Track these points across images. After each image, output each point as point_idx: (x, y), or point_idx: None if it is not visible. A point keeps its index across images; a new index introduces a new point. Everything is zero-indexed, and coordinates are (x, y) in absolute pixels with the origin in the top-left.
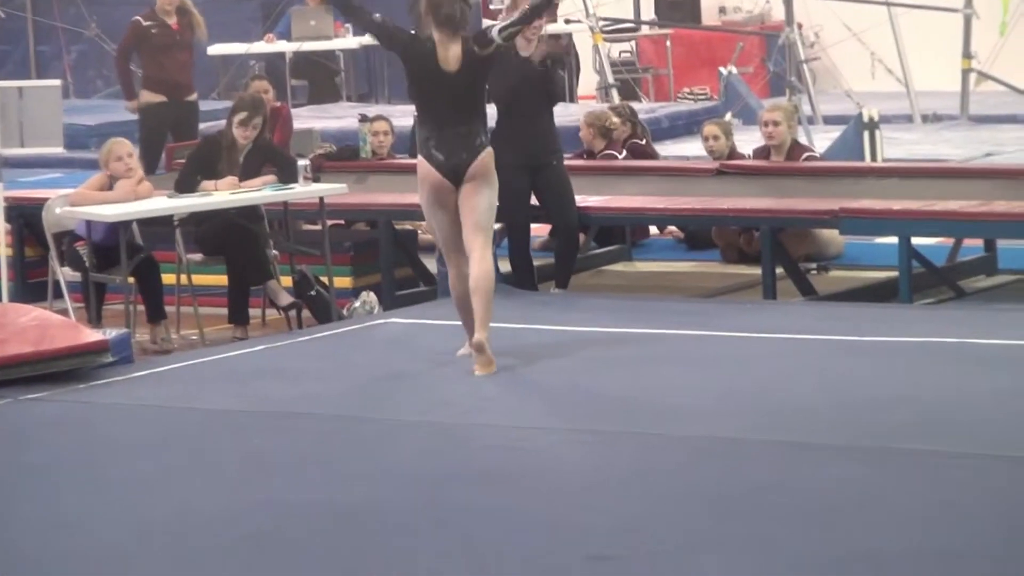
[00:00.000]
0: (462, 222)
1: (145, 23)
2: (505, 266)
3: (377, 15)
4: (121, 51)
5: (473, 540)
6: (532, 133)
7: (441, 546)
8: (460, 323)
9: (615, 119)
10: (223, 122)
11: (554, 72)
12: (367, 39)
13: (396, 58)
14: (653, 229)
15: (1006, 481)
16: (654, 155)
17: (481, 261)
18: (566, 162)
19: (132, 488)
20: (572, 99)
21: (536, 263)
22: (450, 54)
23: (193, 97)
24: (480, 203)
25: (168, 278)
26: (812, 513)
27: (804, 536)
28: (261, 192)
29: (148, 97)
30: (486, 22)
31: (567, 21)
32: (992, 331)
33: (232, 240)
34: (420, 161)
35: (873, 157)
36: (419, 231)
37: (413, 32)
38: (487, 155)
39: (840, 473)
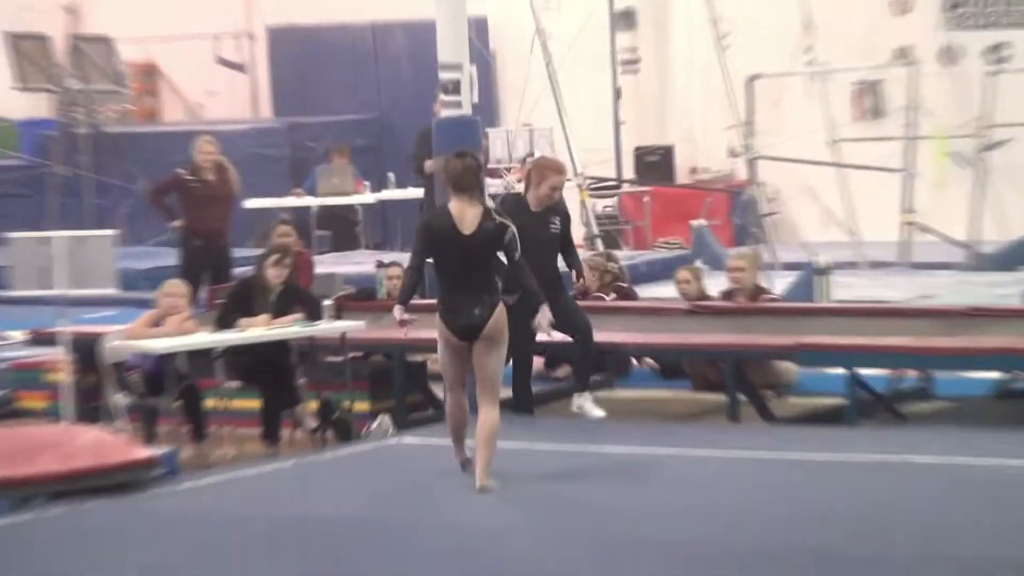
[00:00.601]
0: (476, 375)
1: (187, 177)
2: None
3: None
4: (156, 189)
5: None
6: (538, 271)
7: None
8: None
9: (613, 264)
10: (252, 268)
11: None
12: (385, 195)
13: (408, 210)
14: (634, 360)
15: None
16: (635, 296)
17: (488, 413)
18: None
19: None
20: None
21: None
22: (467, 217)
23: (226, 240)
24: (491, 362)
25: (209, 402)
26: None
27: None
28: (291, 328)
29: (189, 236)
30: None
31: None
32: (928, 449)
33: (265, 370)
34: (437, 319)
35: (825, 298)
36: (428, 362)
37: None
38: (500, 312)
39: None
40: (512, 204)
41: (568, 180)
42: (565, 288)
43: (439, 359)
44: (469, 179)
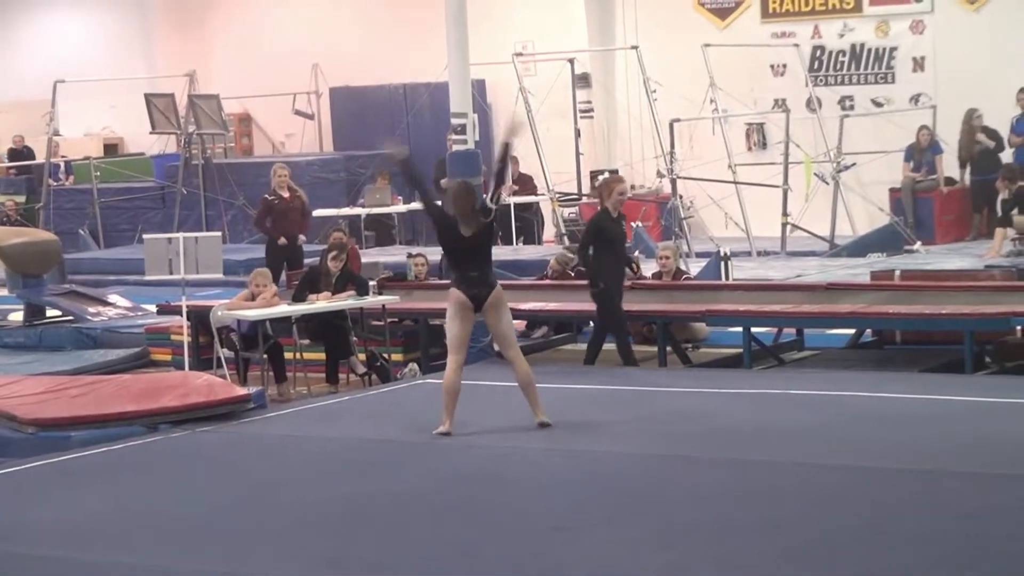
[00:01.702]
0: (497, 337)
1: (271, 199)
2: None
3: (430, 188)
4: (258, 218)
5: (488, 513)
6: (623, 261)
7: (454, 518)
8: (471, 381)
9: (572, 257)
10: (316, 259)
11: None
12: (413, 206)
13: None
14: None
15: (807, 478)
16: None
17: (521, 364)
18: (533, 282)
19: (264, 479)
20: (540, 242)
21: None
22: (467, 226)
23: (301, 240)
24: (504, 326)
25: (288, 355)
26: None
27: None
28: (346, 302)
29: (272, 240)
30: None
31: (539, 194)
32: (801, 385)
33: (327, 331)
34: (452, 289)
35: (727, 277)
36: (445, 325)
37: (443, 209)
38: (499, 290)
39: (711, 476)
40: (599, 216)
41: (543, 194)
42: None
43: (447, 322)
44: (465, 207)
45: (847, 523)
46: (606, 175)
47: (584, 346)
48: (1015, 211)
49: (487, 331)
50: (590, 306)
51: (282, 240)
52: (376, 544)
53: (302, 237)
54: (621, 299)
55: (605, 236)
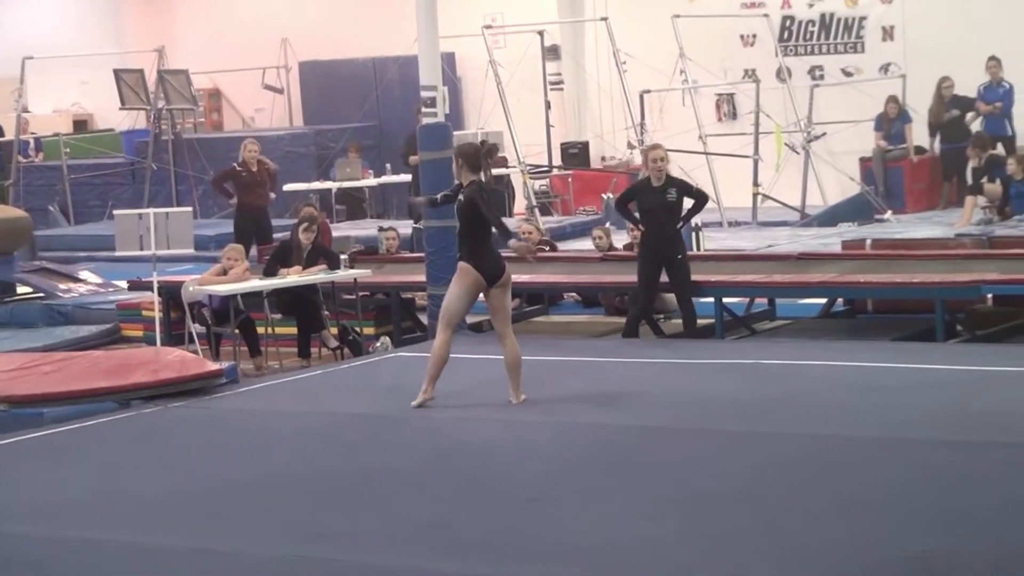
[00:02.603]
0: (498, 315)
1: (237, 168)
2: None
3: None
4: (217, 178)
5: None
6: (660, 230)
7: (428, 491)
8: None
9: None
10: (288, 233)
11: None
12: (384, 179)
13: (400, 190)
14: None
15: (780, 448)
16: (555, 247)
17: (513, 343)
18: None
19: (237, 454)
20: (511, 214)
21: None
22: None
23: (266, 211)
24: (508, 304)
25: (260, 330)
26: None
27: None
28: (318, 276)
29: (241, 210)
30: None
31: (509, 166)
32: (773, 355)
33: (299, 305)
34: (466, 266)
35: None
36: (415, 298)
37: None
38: (508, 270)
39: (683, 447)
40: (638, 182)
41: (514, 167)
42: (681, 248)
43: (451, 300)
44: (474, 160)
45: (820, 492)
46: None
47: (559, 317)
48: (985, 179)
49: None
50: (562, 277)
51: (232, 200)
52: (350, 518)
53: (272, 196)
54: (652, 269)
55: (641, 204)
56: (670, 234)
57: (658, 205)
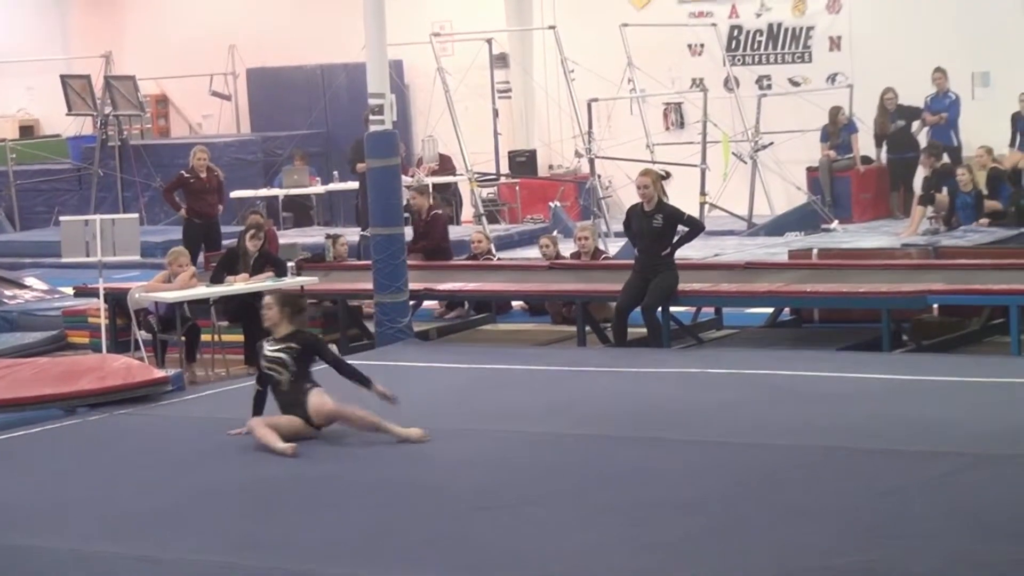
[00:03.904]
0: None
1: (186, 175)
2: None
3: None
4: (167, 188)
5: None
6: (646, 256)
7: (374, 497)
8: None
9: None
10: (235, 240)
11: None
12: (331, 187)
13: (347, 198)
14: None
15: (725, 457)
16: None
17: (355, 413)
18: (457, 262)
19: (182, 462)
20: (458, 223)
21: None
22: None
23: (215, 219)
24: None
25: (205, 337)
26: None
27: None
28: (264, 283)
29: (189, 218)
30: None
31: (457, 174)
32: (720, 364)
33: (246, 313)
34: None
35: None
36: (363, 306)
37: None
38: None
39: (630, 456)
40: (633, 207)
41: (461, 175)
42: (669, 268)
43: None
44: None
45: (764, 501)
46: None
47: (506, 325)
48: (933, 190)
49: (404, 313)
50: (509, 285)
51: (183, 210)
52: (294, 527)
53: (220, 208)
54: (625, 292)
55: (633, 228)
56: (654, 262)
57: (646, 230)
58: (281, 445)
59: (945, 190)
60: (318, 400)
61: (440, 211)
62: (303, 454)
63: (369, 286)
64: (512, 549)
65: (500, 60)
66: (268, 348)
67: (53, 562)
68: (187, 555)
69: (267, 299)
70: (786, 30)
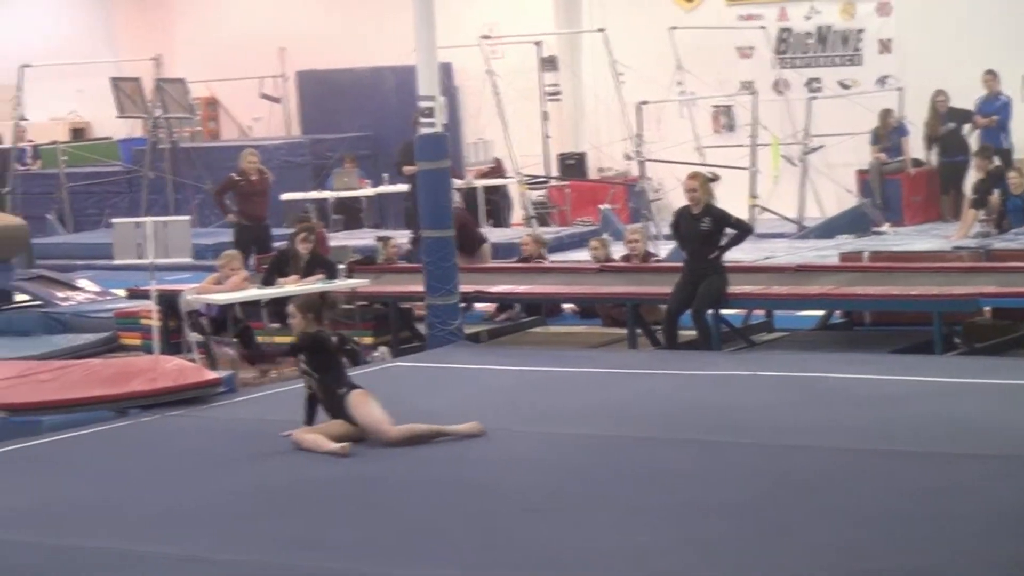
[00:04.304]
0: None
1: (236, 178)
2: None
3: None
4: (217, 190)
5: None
6: (693, 258)
7: (426, 499)
8: (440, 365)
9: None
10: (286, 242)
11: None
12: (381, 189)
13: (396, 200)
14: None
15: (775, 460)
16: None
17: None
18: (510, 265)
19: (233, 463)
20: (508, 225)
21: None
22: None
23: (266, 222)
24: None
25: (258, 339)
26: (657, 479)
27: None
28: (315, 285)
29: (240, 221)
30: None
31: (506, 177)
32: (770, 367)
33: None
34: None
35: None
36: (414, 308)
37: None
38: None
39: (677, 458)
40: (681, 210)
41: (511, 178)
42: (717, 272)
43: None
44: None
45: (812, 504)
46: None
47: (557, 328)
48: (985, 193)
49: (454, 315)
50: (559, 288)
51: (231, 217)
52: (343, 527)
53: (267, 222)
54: (675, 295)
55: (681, 231)
56: (702, 264)
57: (694, 233)
58: (332, 445)
59: (996, 193)
60: (356, 401)
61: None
62: (352, 453)
63: (420, 288)
64: (557, 550)
65: (549, 63)
66: (300, 362)
67: (103, 562)
68: (237, 555)
69: (289, 308)
70: (836, 33)
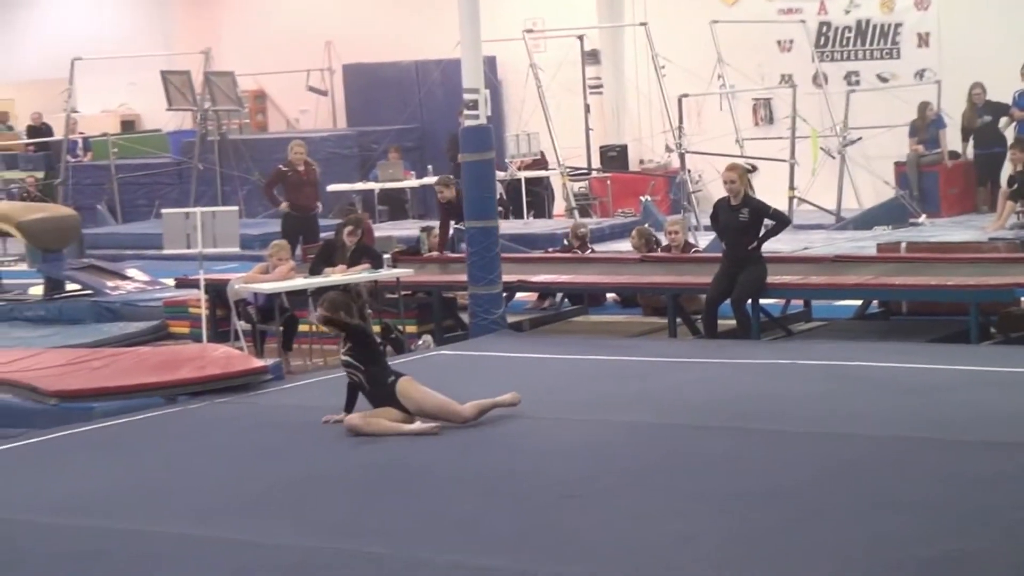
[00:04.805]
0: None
1: (284, 169)
2: None
3: None
4: (267, 183)
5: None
6: (732, 248)
7: (466, 486)
8: (483, 353)
9: (584, 229)
10: (331, 233)
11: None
12: (425, 180)
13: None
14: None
15: (813, 447)
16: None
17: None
18: (550, 254)
19: (280, 449)
20: (550, 215)
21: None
22: None
23: (314, 213)
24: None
25: (304, 327)
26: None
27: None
28: (361, 274)
29: (288, 211)
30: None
31: (549, 168)
32: (809, 355)
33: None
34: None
35: None
36: (457, 298)
37: None
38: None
39: (718, 446)
40: (720, 201)
41: (554, 169)
42: (756, 262)
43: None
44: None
45: (853, 491)
46: None
47: (599, 316)
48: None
49: (497, 304)
50: (601, 278)
51: (283, 205)
52: (387, 512)
53: (320, 205)
54: (715, 285)
55: (719, 222)
56: (741, 255)
57: (732, 224)
58: (416, 425)
59: None
60: (405, 388)
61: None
62: (395, 441)
63: (463, 278)
64: (599, 538)
65: (591, 56)
66: (341, 354)
67: (155, 546)
68: (285, 539)
69: (317, 315)
70: (875, 27)
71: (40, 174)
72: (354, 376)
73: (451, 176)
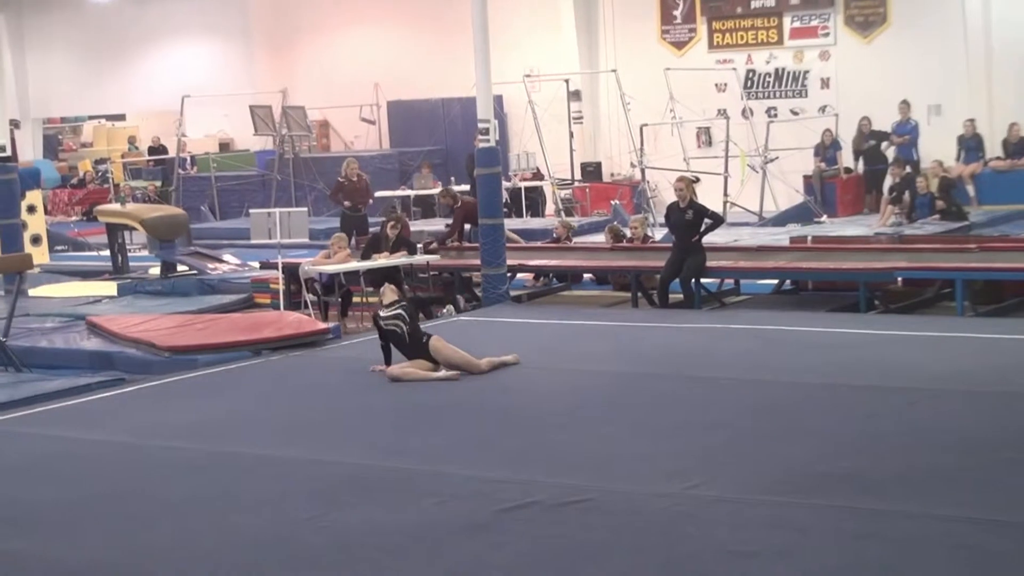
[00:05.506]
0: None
1: (343, 180)
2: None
3: None
4: (332, 191)
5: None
6: (680, 242)
7: (478, 418)
8: (493, 319)
9: (569, 225)
10: (378, 228)
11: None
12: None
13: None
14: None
15: (742, 390)
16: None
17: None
18: (543, 244)
19: (340, 391)
20: (543, 215)
21: (524, 292)
22: None
23: (365, 213)
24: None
25: (356, 299)
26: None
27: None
28: (400, 260)
29: (346, 211)
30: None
31: (541, 178)
32: (738, 321)
33: (387, 281)
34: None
35: None
36: (472, 277)
37: None
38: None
39: (671, 388)
40: (672, 204)
41: (545, 180)
42: (699, 251)
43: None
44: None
45: (772, 423)
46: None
47: (578, 291)
48: (900, 193)
49: (503, 282)
50: (581, 262)
51: (347, 203)
52: (422, 438)
53: (370, 203)
54: (667, 267)
55: (671, 221)
56: (687, 245)
57: (680, 222)
58: (444, 373)
59: (907, 193)
60: (437, 344)
61: (469, 198)
62: (420, 388)
63: (477, 262)
64: (582, 455)
65: (575, 95)
66: (384, 313)
67: (244, 462)
68: (343, 458)
69: (386, 288)
70: (788, 73)
71: (158, 183)
72: (398, 329)
73: (448, 188)
